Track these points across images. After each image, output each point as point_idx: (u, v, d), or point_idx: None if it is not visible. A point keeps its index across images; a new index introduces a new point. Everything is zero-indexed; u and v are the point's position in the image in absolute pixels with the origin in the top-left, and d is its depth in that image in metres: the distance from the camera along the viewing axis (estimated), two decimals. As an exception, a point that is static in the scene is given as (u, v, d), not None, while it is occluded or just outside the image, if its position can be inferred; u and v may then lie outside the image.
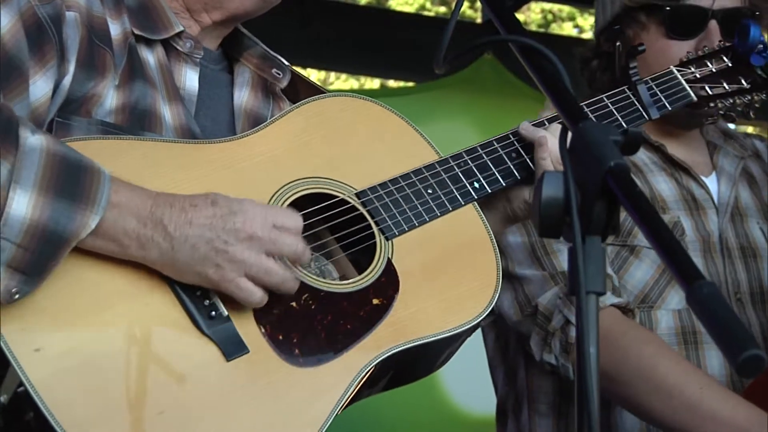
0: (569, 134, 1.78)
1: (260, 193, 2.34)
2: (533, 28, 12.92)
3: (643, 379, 2.86)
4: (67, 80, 2.30)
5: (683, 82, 2.87)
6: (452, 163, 2.55)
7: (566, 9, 13.58)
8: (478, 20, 9.18)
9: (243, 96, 2.60)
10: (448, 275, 2.44)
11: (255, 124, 2.55)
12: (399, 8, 12.95)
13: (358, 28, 7.51)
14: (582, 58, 3.25)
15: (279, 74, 2.63)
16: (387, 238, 2.42)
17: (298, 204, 2.38)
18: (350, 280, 2.37)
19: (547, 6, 13.49)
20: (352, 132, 2.54)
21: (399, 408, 5.96)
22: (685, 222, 3.11)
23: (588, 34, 12.85)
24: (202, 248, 2.17)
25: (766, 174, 3.33)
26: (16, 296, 2.06)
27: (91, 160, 2.15)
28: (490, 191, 2.56)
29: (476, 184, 2.54)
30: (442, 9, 13.36)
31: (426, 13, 13.18)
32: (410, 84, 7.93)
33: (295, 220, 2.25)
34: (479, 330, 3.24)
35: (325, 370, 2.26)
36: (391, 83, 11.23)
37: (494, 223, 2.65)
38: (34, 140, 2.10)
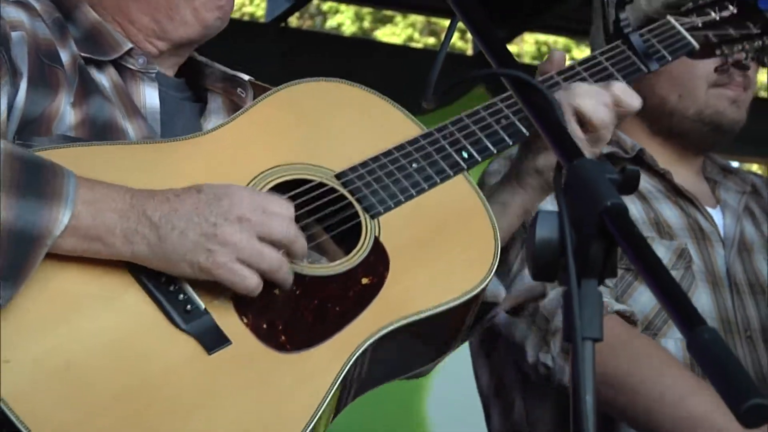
0: (564, 172, 1.79)
1: None
2: (527, 60, 12.98)
3: (649, 387, 2.86)
4: (21, 98, 2.32)
5: (682, 30, 2.80)
6: (437, 135, 2.51)
7: (561, 41, 13.64)
8: (469, 52, 9.22)
9: (216, 122, 2.59)
10: (441, 247, 2.40)
11: None
12: (385, 39, 13.00)
13: (342, 59, 7.54)
14: None
15: (243, 93, 2.64)
16: (372, 217, 2.39)
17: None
18: (335, 263, 2.34)
19: (542, 37, 13.55)
20: (328, 115, 2.52)
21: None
22: (692, 251, 3.11)
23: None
24: (191, 234, 2.17)
25: (766, 213, 3.34)
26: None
27: (51, 160, 2.17)
28: (480, 160, 2.52)
29: (465, 154, 2.50)
30: (431, 40, 13.42)
31: (414, 44, 13.24)
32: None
33: (287, 206, 2.24)
34: (464, 367, 3.24)
35: (315, 354, 2.22)
36: (378, 118, 11.25)
37: (531, 200, 2.62)
38: None
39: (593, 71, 2.71)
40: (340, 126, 2.51)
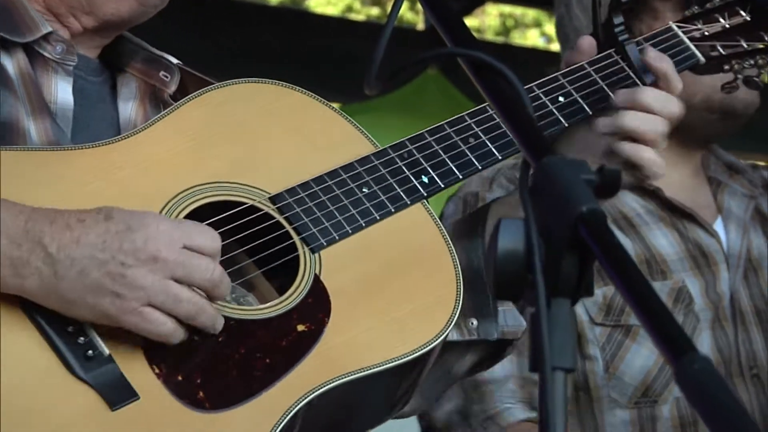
0: (531, 172, 1.81)
1: (145, 209, 2.30)
2: (489, 36, 13.04)
3: None
4: None
5: (686, 40, 2.83)
6: (393, 155, 2.52)
7: (531, 13, 13.70)
8: (420, 25, 9.26)
9: (130, 110, 2.61)
10: (392, 291, 2.41)
11: None
12: (320, 10, 13.01)
13: (269, 34, 7.54)
14: None
15: (167, 77, 2.63)
16: (313, 251, 2.39)
17: (194, 217, 2.35)
18: (267, 304, 2.34)
19: (507, 9, 13.61)
20: (264, 125, 2.52)
21: None
22: (692, 285, 3.12)
23: (557, 45, 12.93)
24: (94, 273, 2.16)
25: None
26: None
27: None
28: (443, 186, 2.53)
29: (425, 179, 2.51)
30: (374, 11, 13.45)
31: (354, 16, 13.26)
32: (335, 105, 7.98)
33: (212, 239, 2.23)
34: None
35: (238, 416, 2.23)
36: (311, 104, 11.26)
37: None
38: None
39: (579, 85, 2.72)
40: (278, 139, 2.51)
